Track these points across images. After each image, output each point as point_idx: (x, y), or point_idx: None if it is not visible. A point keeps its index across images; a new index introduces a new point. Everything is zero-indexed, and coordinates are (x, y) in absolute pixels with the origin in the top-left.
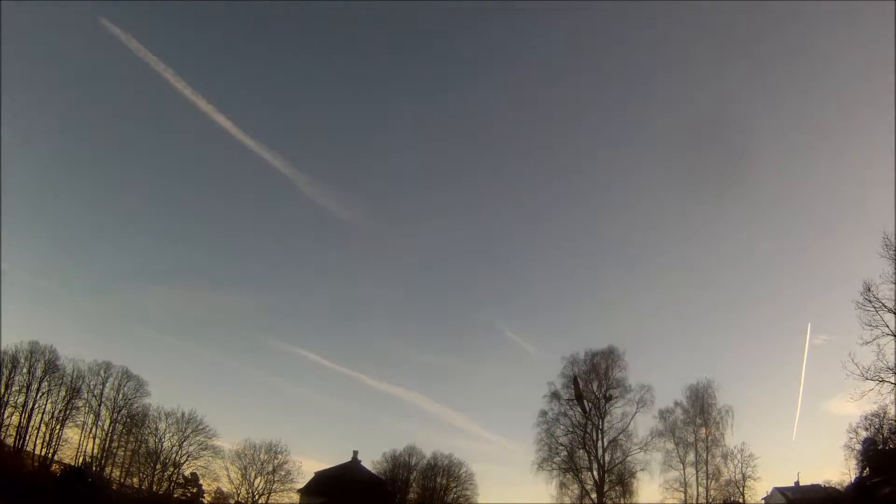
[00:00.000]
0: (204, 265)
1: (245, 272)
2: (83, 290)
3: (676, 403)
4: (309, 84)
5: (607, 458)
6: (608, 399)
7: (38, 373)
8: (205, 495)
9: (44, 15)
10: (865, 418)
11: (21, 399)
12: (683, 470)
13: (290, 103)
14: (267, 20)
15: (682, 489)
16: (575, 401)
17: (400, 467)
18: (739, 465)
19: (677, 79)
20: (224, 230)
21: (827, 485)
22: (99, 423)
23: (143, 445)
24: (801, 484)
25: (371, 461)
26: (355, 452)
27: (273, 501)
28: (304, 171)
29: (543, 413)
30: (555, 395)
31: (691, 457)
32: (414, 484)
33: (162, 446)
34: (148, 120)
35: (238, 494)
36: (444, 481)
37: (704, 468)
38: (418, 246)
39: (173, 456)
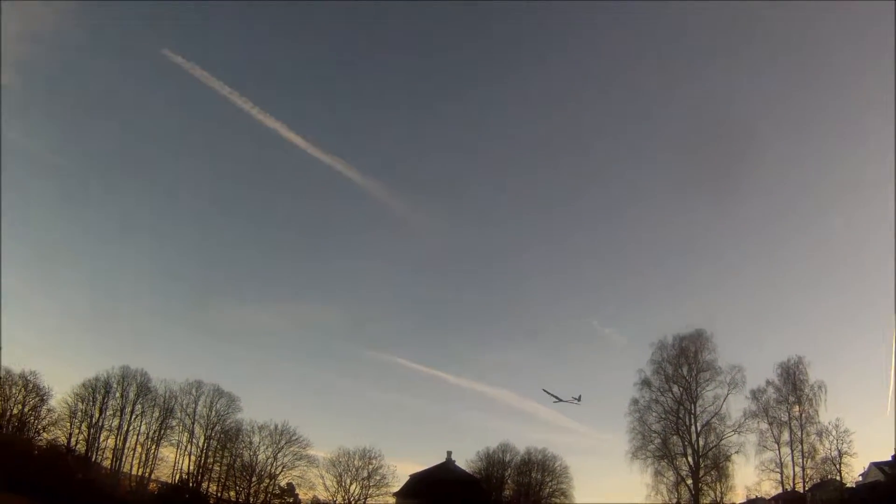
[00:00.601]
0: (290, 280)
1: (331, 284)
2: (171, 312)
3: (768, 382)
4: (379, 90)
5: (701, 442)
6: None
7: (132, 396)
8: None
9: (110, 49)
10: None
11: (116, 422)
12: (778, 450)
13: (347, 110)
14: (323, 37)
15: (779, 469)
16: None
17: (494, 465)
18: (835, 441)
19: None
20: (307, 245)
21: None
22: (193, 440)
23: (239, 459)
24: None
25: (465, 460)
26: (449, 453)
27: None
28: (375, 176)
29: (635, 401)
30: (645, 383)
31: (786, 436)
32: (509, 480)
33: (257, 459)
34: (220, 144)
35: (334, 502)
36: (539, 476)
37: (800, 447)
38: (498, 246)
39: (268, 468)
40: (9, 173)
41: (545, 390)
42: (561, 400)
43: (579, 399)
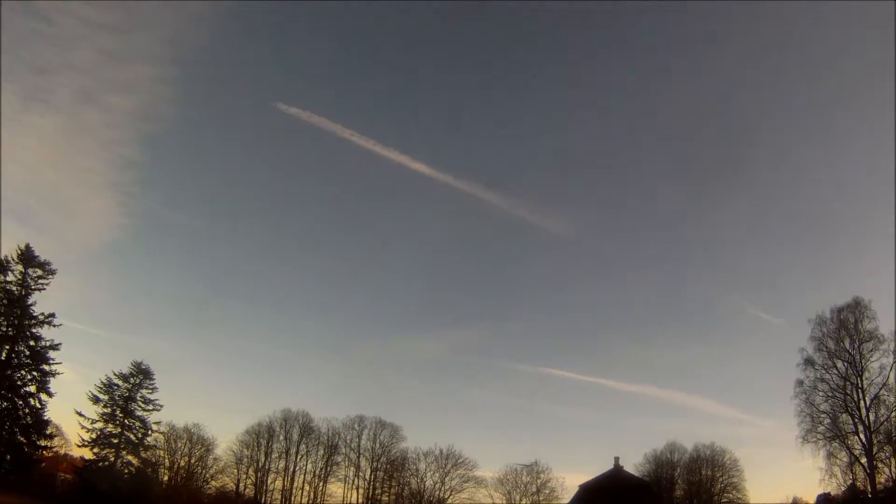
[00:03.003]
0: (436, 308)
1: (480, 306)
2: (325, 353)
3: None
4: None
5: (872, 417)
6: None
7: (295, 437)
8: None
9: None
10: None
11: (282, 464)
12: None
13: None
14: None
15: None
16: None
17: (663, 466)
18: None
19: None
20: (443, 269)
21: None
22: (360, 473)
23: (406, 488)
24: None
25: (633, 464)
26: (616, 459)
27: None
28: (500, 191)
29: (799, 382)
30: (808, 362)
31: None
32: (679, 480)
33: (424, 486)
34: (349, 180)
35: None
36: (709, 472)
37: None
38: (637, 246)
39: (437, 493)
40: (153, 240)
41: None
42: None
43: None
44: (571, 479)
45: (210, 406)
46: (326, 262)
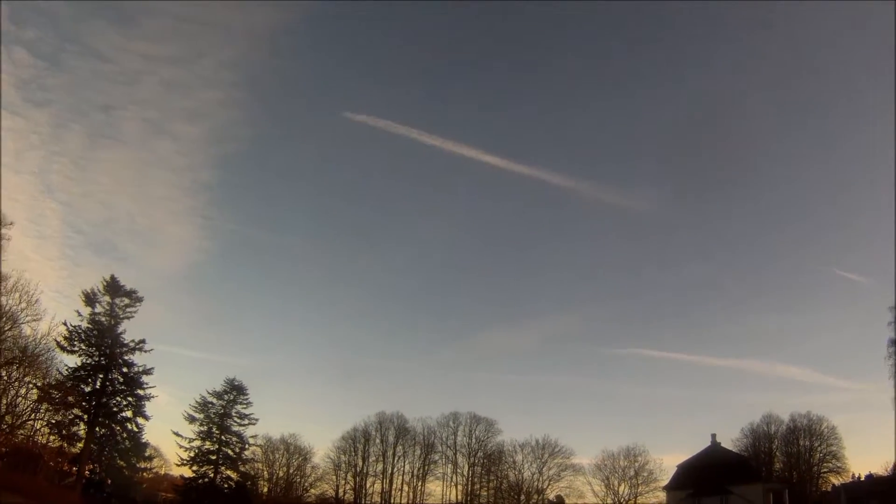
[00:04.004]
0: (520, 300)
1: (558, 295)
2: (414, 353)
3: None
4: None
5: None
6: None
7: (391, 439)
8: None
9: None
10: None
11: (380, 467)
12: None
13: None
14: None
15: None
16: None
17: (760, 439)
18: None
19: None
20: (521, 259)
21: None
22: (458, 470)
23: (504, 481)
24: None
25: (730, 440)
26: (713, 436)
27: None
28: (571, 174)
29: (892, 342)
30: None
31: None
32: (777, 453)
33: (522, 477)
34: (420, 180)
35: None
36: (808, 442)
37: None
38: (719, 218)
39: (535, 483)
40: (235, 259)
41: None
42: None
43: None
44: (669, 460)
45: (305, 416)
46: (407, 264)
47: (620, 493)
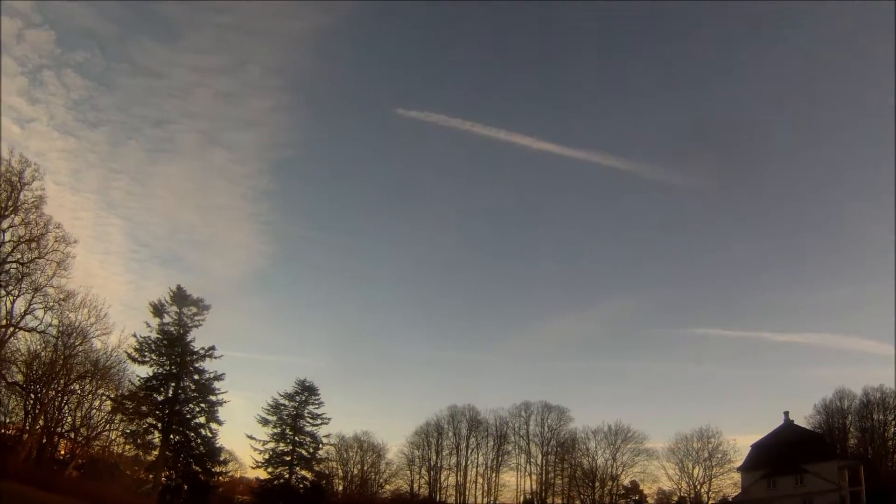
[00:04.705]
0: (578, 286)
1: (616, 280)
2: (481, 344)
3: None
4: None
5: None
6: None
7: (464, 432)
8: (647, 499)
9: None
10: None
11: (454, 460)
12: None
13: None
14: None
15: None
16: None
17: (833, 415)
18: None
19: None
20: (579, 245)
21: None
22: (531, 460)
23: (578, 468)
24: None
25: (803, 417)
26: (786, 413)
27: (715, 487)
28: (623, 157)
29: None
30: None
31: None
32: (851, 428)
33: (596, 464)
34: (479, 172)
35: (679, 490)
36: (882, 416)
37: None
38: (774, 191)
39: (609, 470)
40: (298, 262)
41: None
42: None
43: None
44: (743, 440)
45: (377, 413)
46: (466, 256)
47: (695, 476)
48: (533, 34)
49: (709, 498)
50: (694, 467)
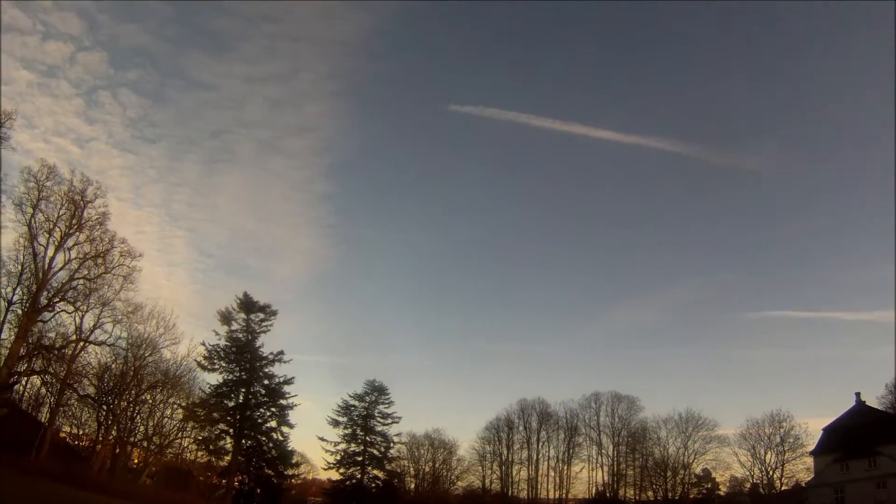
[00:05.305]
0: (639, 273)
1: (678, 265)
2: (548, 336)
3: None
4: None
5: None
6: None
7: (534, 425)
8: (719, 487)
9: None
10: None
11: (525, 454)
12: None
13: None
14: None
15: None
16: None
17: None
18: None
19: None
20: (642, 232)
21: None
22: (602, 451)
23: (650, 458)
24: None
25: (875, 397)
26: (857, 394)
27: (787, 472)
28: (682, 140)
29: None
30: None
31: None
32: None
33: (667, 453)
34: (537, 163)
35: (752, 476)
36: None
37: None
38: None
39: (681, 458)
40: (362, 263)
41: None
42: None
43: None
44: (814, 423)
45: (447, 409)
46: (531, 249)
47: (767, 461)
48: (578, 23)
49: (781, 484)
50: (766, 453)
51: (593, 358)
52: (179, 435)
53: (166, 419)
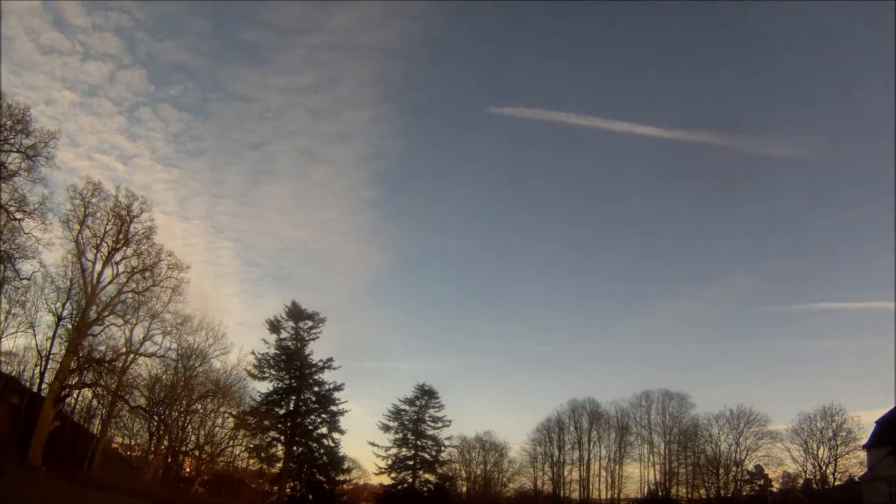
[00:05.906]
0: (682, 267)
1: (721, 257)
2: (593, 335)
3: None
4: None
5: None
6: None
7: (585, 425)
8: (772, 484)
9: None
10: None
11: (576, 454)
12: None
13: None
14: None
15: None
16: None
17: None
18: None
19: None
20: (683, 225)
21: None
22: (654, 450)
23: (702, 456)
24: None
25: None
26: None
27: (840, 467)
28: (719, 133)
29: None
30: None
31: None
32: None
33: (720, 450)
34: (581, 161)
35: (805, 471)
36: None
37: None
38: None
39: (733, 455)
40: (412, 269)
41: None
42: None
43: None
44: (867, 416)
45: (498, 412)
46: (581, 249)
47: (820, 456)
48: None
49: (834, 479)
50: (819, 447)
51: (642, 354)
52: (231, 443)
53: (217, 428)
